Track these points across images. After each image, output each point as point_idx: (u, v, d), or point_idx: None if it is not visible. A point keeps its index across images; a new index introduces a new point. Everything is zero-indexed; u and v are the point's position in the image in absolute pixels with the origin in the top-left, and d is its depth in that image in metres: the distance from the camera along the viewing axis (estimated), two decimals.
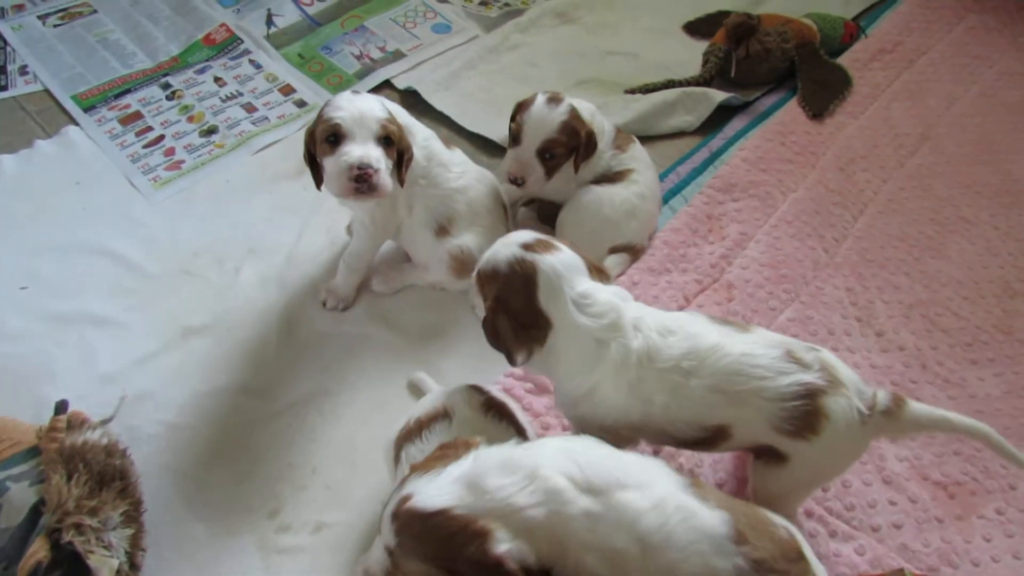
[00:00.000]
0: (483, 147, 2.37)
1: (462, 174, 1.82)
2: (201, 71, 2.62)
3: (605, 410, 1.21)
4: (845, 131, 2.43)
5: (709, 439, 1.23)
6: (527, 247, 1.22)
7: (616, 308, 1.21)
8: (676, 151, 2.36)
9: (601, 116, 1.92)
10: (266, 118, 2.47)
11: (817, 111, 2.46)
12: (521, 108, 1.80)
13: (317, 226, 2.11)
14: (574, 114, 1.78)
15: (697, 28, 2.86)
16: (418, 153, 1.74)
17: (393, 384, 1.73)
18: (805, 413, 1.18)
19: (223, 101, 2.52)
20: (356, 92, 1.64)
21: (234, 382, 1.72)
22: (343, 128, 1.55)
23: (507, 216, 1.93)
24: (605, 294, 1.21)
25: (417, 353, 1.79)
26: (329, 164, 1.57)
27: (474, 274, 1.28)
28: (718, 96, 2.44)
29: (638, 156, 1.99)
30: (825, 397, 1.18)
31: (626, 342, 1.18)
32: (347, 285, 1.88)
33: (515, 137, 1.79)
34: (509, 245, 1.24)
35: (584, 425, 1.25)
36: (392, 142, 1.59)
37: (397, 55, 2.72)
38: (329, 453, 1.61)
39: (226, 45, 2.74)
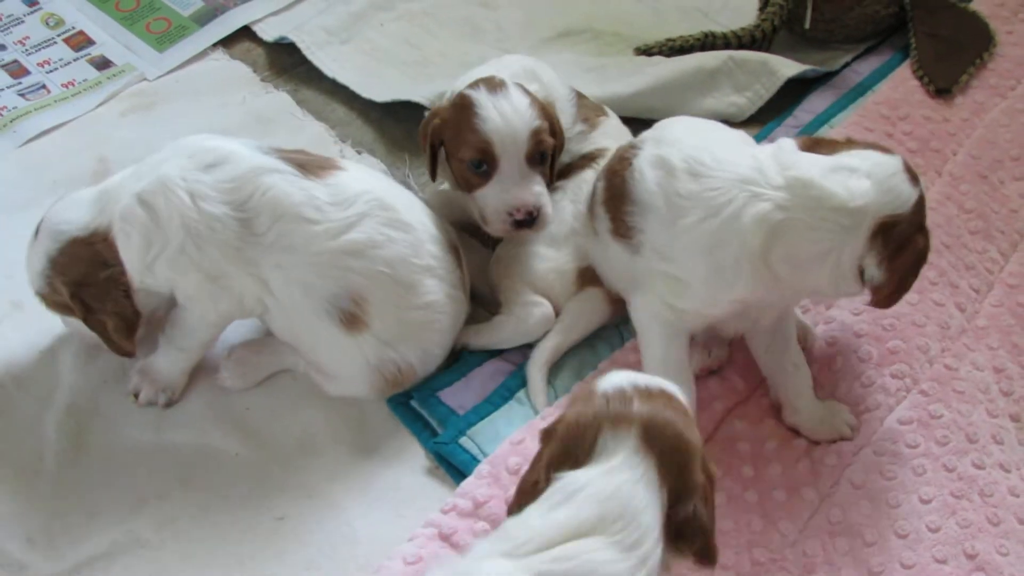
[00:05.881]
0: (399, 121, 2.39)
1: (353, 219, 1.78)
2: None
3: None
4: (987, 116, 2.46)
5: None
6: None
7: None
8: None
9: (550, 73, 2.09)
10: (43, 87, 2.47)
11: (943, 84, 2.47)
12: (455, 114, 1.92)
13: None
14: (529, 92, 1.95)
15: None
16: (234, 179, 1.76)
17: (256, 533, 1.74)
18: None
19: None
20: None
21: None
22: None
23: (463, 269, 1.95)
24: None
25: (292, 480, 1.81)
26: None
27: None
28: (786, 69, 2.47)
29: (612, 133, 2.11)
30: None
31: None
32: (173, 367, 1.89)
33: (482, 161, 1.90)
34: None
35: None
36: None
37: None
38: None
39: None
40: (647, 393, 1.29)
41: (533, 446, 1.68)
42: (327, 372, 1.86)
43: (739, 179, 1.62)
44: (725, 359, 1.87)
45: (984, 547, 1.64)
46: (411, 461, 1.80)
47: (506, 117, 1.86)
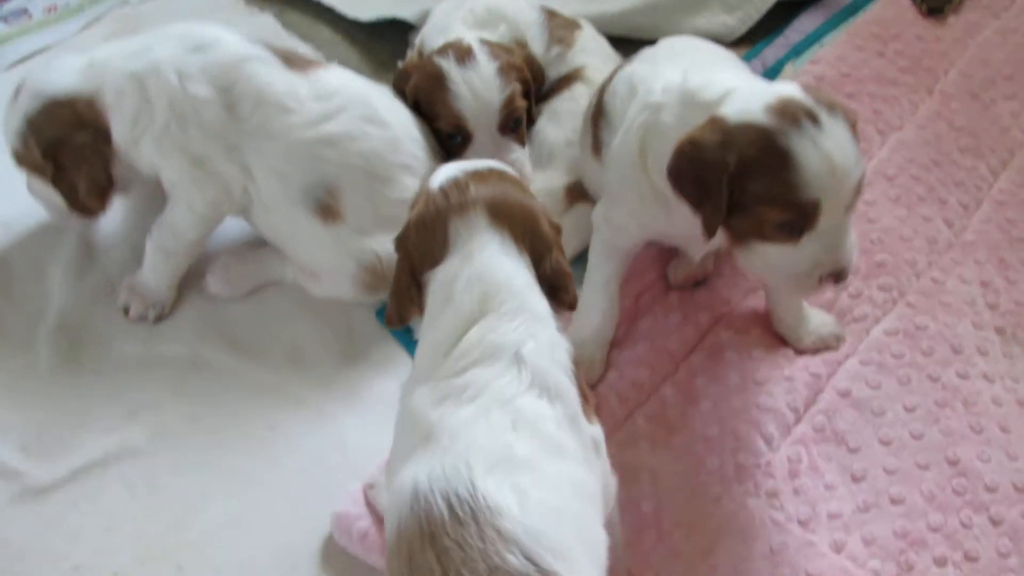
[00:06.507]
0: (385, 43, 2.41)
1: (331, 111, 1.83)
2: None
3: None
4: (979, 36, 2.47)
5: None
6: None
7: None
8: None
9: (516, 0, 2.10)
10: (26, 12, 2.47)
11: (935, 4, 2.49)
12: (427, 83, 1.93)
13: None
14: (497, 47, 1.96)
15: None
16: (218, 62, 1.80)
17: (248, 441, 1.77)
18: None
19: None
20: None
21: None
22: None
23: None
24: None
25: (282, 390, 1.84)
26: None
27: None
28: None
29: (591, 48, 2.12)
30: None
31: None
32: (159, 280, 1.91)
33: (456, 132, 1.94)
34: None
35: None
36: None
37: None
38: (140, 550, 1.65)
39: None
40: (479, 175, 1.35)
41: None
42: (309, 268, 1.88)
43: (647, 92, 1.60)
44: (711, 269, 1.88)
45: (966, 454, 1.67)
46: (399, 370, 1.82)
47: (476, 92, 1.88)
